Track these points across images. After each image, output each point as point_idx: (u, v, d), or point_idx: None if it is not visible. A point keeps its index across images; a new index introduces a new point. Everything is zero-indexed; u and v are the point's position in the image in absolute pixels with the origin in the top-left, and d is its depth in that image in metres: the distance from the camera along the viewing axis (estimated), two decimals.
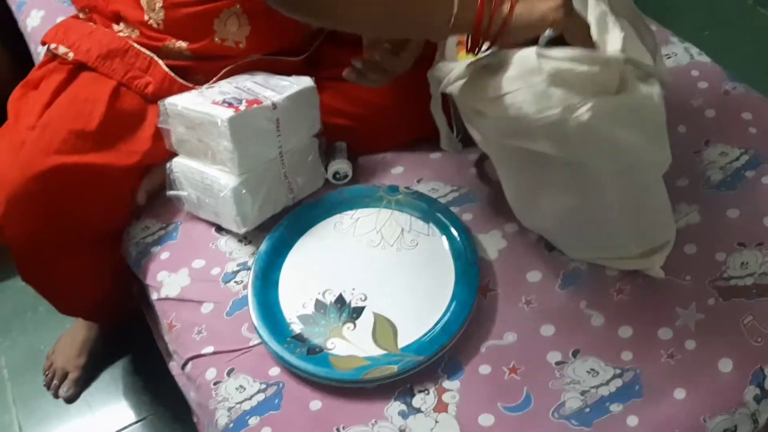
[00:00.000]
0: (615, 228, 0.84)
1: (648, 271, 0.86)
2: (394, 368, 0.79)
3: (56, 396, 1.31)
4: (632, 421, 0.77)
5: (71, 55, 1.01)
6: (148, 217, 1.03)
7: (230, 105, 0.91)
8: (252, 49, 1.00)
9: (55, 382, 1.31)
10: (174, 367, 0.98)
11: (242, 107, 0.90)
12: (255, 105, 0.91)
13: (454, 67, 0.78)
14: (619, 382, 0.79)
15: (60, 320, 1.35)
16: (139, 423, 1.28)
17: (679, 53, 1.14)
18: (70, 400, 1.31)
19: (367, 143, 1.05)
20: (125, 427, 1.28)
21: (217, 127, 0.89)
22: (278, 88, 0.96)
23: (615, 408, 0.78)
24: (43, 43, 1.08)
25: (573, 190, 0.81)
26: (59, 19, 1.18)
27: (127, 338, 1.33)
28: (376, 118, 1.03)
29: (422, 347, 0.80)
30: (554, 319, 0.84)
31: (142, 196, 1.02)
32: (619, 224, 0.83)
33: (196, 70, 1.01)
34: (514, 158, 0.83)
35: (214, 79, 1.00)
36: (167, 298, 0.94)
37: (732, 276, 0.87)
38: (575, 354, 0.81)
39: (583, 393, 0.79)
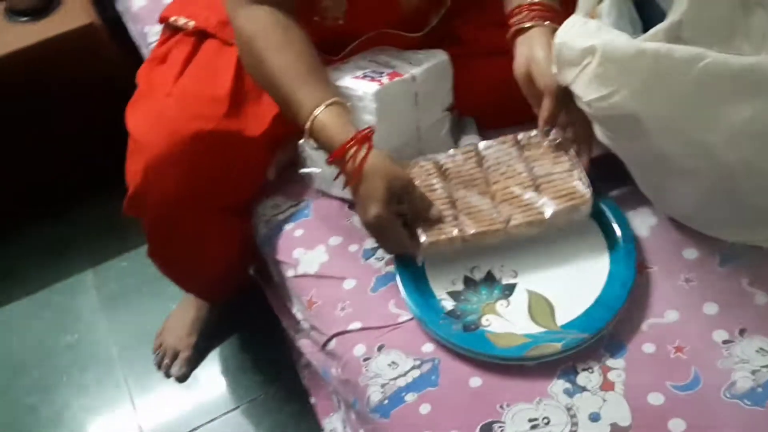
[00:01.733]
0: (757, 208, 0.81)
1: None
2: (558, 345, 0.77)
3: (167, 375, 1.32)
4: None
5: (191, 24, 1.02)
6: (277, 195, 1.02)
7: (372, 79, 0.89)
8: (353, 25, 0.97)
9: (166, 361, 1.32)
10: (306, 344, 0.98)
11: (384, 80, 0.89)
12: (396, 78, 0.90)
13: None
14: None
15: (164, 302, 1.36)
16: (251, 403, 1.28)
17: None
18: (182, 378, 1.31)
19: (495, 118, 1.03)
20: (237, 407, 1.28)
21: (361, 101, 0.87)
22: (414, 61, 0.94)
23: None
24: (163, 20, 1.09)
25: (701, 172, 0.78)
26: None
27: (236, 317, 1.33)
28: (505, 94, 1.00)
29: (585, 324, 0.78)
30: (716, 297, 0.81)
31: (271, 171, 1.02)
32: (757, 203, 0.80)
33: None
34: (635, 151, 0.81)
35: (342, 54, 0.99)
36: (305, 275, 0.93)
37: None
38: (742, 333, 0.78)
39: (753, 372, 0.75)
